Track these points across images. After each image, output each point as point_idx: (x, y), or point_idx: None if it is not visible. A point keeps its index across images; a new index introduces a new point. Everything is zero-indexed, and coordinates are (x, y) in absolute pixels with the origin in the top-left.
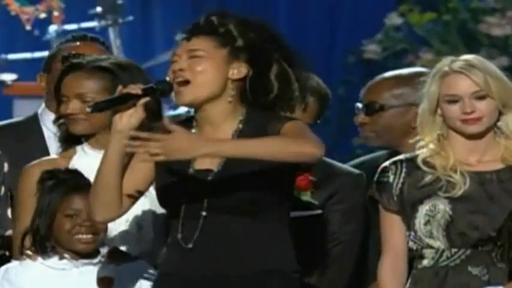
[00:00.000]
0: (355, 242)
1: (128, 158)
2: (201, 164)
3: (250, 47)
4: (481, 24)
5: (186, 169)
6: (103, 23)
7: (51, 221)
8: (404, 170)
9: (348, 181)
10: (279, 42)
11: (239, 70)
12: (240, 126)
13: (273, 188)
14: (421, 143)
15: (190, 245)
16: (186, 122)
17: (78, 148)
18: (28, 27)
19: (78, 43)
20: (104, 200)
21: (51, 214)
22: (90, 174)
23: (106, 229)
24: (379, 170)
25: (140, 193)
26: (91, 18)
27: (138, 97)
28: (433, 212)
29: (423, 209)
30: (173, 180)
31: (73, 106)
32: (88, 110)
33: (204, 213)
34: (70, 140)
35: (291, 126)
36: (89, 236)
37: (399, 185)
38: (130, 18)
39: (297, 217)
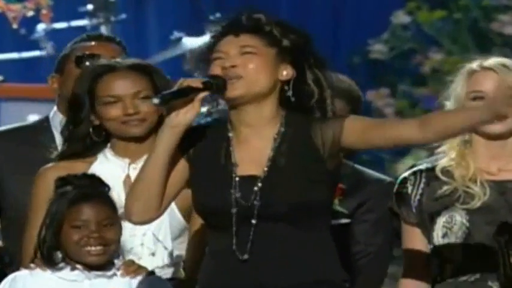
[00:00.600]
0: (384, 254)
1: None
2: (244, 170)
3: (294, 49)
4: (493, 22)
5: (228, 175)
6: (94, 21)
7: (58, 232)
8: (423, 180)
9: (378, 189)
10: (311, 45)
11: (287, 71)
12: (282, 129)
13: (321, 193)
14: (442, 148)
15: (245, 256)
16: (212, 124)
17: (100, 154)
18: (15, 26)
19: (92, 43)
20: (146, 198)
21: (57, 224)
22: (110, 182)
23: (118, 240)
24: (399, 180)
25: (174, 198)
26: (81, 16)
27: (197, 91)
28: (450, 224)
29: (441, 221)
30: (217, 187)
31: (133, 105)
32: (155, 101)
33: (254, 222)
34: (94, 146)
35: (363, 119)
36: (99, 247)
37: (418, 196)
38: (123, 16)
39: None
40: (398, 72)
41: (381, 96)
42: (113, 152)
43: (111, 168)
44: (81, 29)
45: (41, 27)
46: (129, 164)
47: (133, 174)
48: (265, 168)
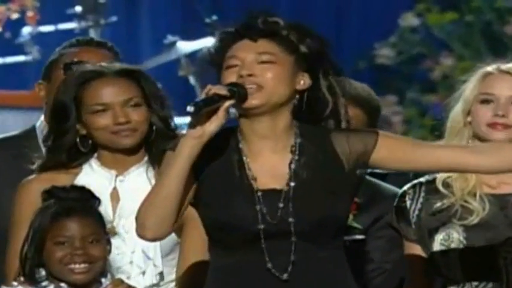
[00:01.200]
0: (400, 271)
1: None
2: (264, 184)
3: (310, 55)
4: (507, 25)
5: (247, 189)
6: (83, 24)
7: (41, 248)
8: (422, 194)
9: None
10: (327, 50)
11: (304, 80)
12: (298, 140)
13: (345, 207)
14: None
15: (285, 276)
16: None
17: (85, 165)
18: None
19: (82, 48)
20: (163, 213)
21: (40, 240)
22: (96, 194)
23: (105, 258)
24: (399, 194)
25: (184, 212)
26: (70, 18)
27: (223, 99)
28: (447, 241)
29: (438, 239)
30: (238, 202)
31: (124, 114)
32: (190, 109)
33: (294, 239)
34: (79, 157)
35: (397, 137)
36: (83, 265)
37: (416, 212)
38: (114, 18)
39: None
40: (406, 78)
41: (388, 104)
42: (99, 162)
43: (98, 180)
44: (69, 32)
45: (26, 30)
46: (116, 176)
47: (120, 187)
48: (290, 182)
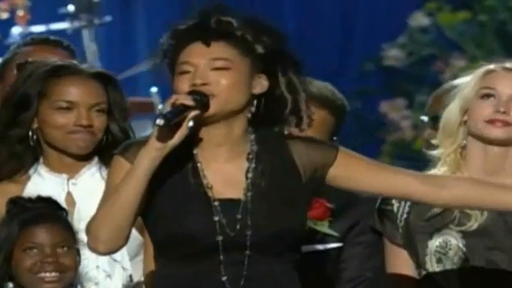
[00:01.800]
0: (382, 279)
1: None
2: (220, 193)
3: (267, 55)
4: None
5: (203, 198)
6: (76, 24)
7: (9, 258)
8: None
9: (372, 209)
10: (283, 44)
11: (261, 84)
12: (255, 147)
13: (303, 218)
14: (439, 151)
15: None
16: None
17: (31, 171)
18: None
19: (36, 47)
20: (119, 225)
21: (7, 250)
22: None
23: (76, 268)
24: (382, 197)
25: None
26: (62, 18)
27: (188, 109)
28: (445, 248)
29: (433, 245)
30: (193, 212)
31: (88, 117)
32: (160, 123)
33: (248, 253)
34: (24, 163)
35: (357, 156)
36: (54, 274)
37: (404, 215)
38: (108, 18)
39: (312, 252)
40: (416, 81)
41: (396, 108)
42: (47, 168)
43: (49, 187)
44: (61, 32)
45: (16, 30)
46: (68, 180)
47: (74, 191)
48: (247, 192)
